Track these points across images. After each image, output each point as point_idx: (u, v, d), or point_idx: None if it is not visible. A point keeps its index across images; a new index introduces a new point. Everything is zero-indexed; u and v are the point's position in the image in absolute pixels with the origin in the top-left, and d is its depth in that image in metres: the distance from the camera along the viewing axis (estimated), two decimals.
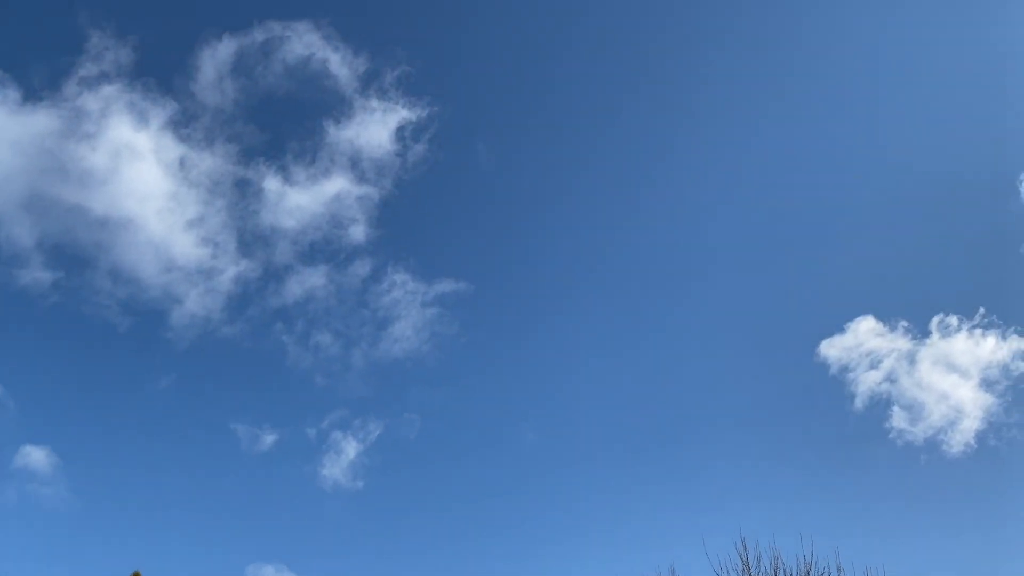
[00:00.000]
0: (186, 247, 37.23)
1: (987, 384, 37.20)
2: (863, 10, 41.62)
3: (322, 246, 39.03)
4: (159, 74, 37.23)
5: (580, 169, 42.43)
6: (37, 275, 35.97)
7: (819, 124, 42.40)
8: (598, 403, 40.15)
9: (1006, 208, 38.74)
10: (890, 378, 38.00)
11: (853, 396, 38.08)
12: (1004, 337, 37.42)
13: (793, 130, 42.47)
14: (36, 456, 34.54)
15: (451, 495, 38.22)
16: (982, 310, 37.86)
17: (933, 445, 36.65)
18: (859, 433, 37.95)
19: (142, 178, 36.30)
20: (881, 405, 37.71)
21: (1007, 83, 39.86)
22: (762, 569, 17.27)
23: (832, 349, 38.69)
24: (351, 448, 37.33)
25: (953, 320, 38.00)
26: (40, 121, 35.11)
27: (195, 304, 37.35)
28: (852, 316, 38.64)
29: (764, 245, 41.75)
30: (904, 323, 38.32)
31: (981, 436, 36.47)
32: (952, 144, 40.71)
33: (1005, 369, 37.14)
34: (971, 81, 40.99)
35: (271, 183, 38.16)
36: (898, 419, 37.26)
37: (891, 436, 37.13)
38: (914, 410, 37.31)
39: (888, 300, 39.28)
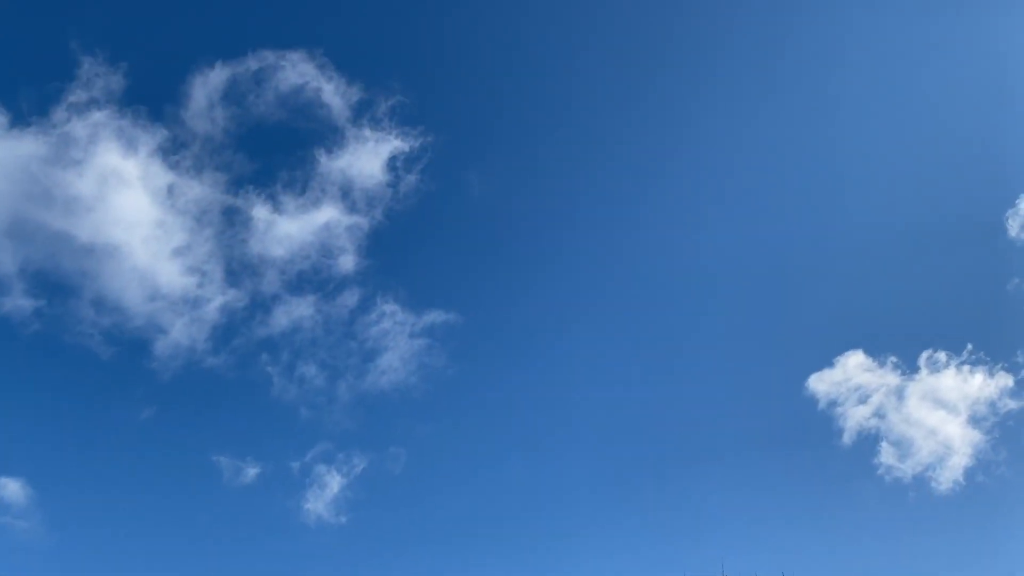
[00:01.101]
0: (172, 276, 36.73)
1: (975, 421, 37.45)
2: (853, 49, 42.44)
3: (310, 276, 38.66)
4: (150, 101, 36.97)
5: (572, 201, 42.51)
6: (19, 302, 35.32)
7: (809, 161, 42.83)
8: (586, 437, 39.81)
9: (993, 245, 39.30)
10: (879, 413, 38.14)
11: (841, 431, 38.19)
12: (991, 374, 37.78)
13: (783, 166, 42.89)
14: (11, 488, 33.77)
15: (437, 531, 37.59)
16: (970, 346, 38.24)
17: (922, 482, 36.74)
18: (847, 469, 37.96)
19: (129, 205, 35.86)
20: (869, 441, 37.84)
21: (994, 121, 40.74)
22: None
23: (821, 383, 38.82)
24: (335, 482, 36.84)
25: (941, 356, 38.32)
26: (27, 146, 34.67)
27: (180, 334, 36.78)
28: (841, 350, 38.98)
29: (753, 278, 41.88)
30: (893, 358, 38.61)
31: (970, 473, 36.63)
32: (940, 181, 41.33)
33: (992, 406, 37.44)
34: (959, 119, 41.79)
35: (260, 212, 37.85)
36: (887, 455, 37.37)
37: (879, 472, 37.22)
38: (902, 446, 37.41)
39: (877, 335, 39.52)
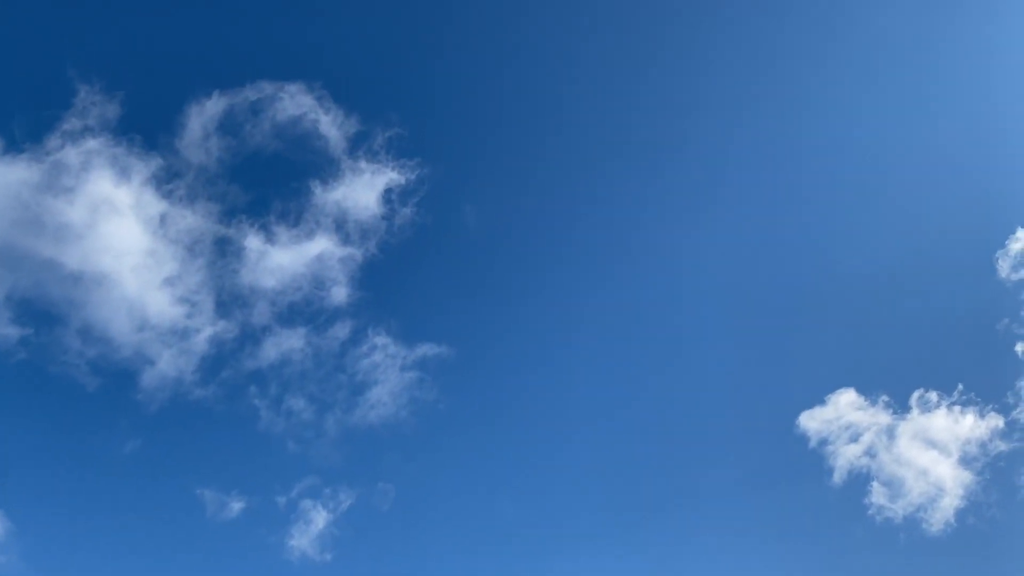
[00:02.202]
0: (161, 306, 36.31)
1: (966, 461, 37.51)
2: (841, 91, 43.09)
3: (302, 307, 38.37)
4: (144, 129, 36.79)
5: (568, 235, 42.56)
6: (5, 331, 34.75)
7: (799, 200, 43.24)
8: (579, 474, 39.49)
9: (983, 285, 39.66)
10: (870, 452, 38.13)
11: (832, 470, 38.14)
12: (982, 414, 37.94)
13: (774, 206, 43.24)
14: None
15: (425, 571, 36.96)
16: (960, 386, 38.40)
17: (913, 523, 36.65)
18: (837, 509, 37.84)
19: (120, 234, 35.53)
20: (860, 480, 37.78)
21: (983, 162, 41.39)
22: None
23: (812, 421, 38.83)
24: (320, 518, 36.30)
25: (933, 396, 38.42)
26: (18, 173, 34.32)
27: (167, 365, 36.32)
28: (833, 388, 39.06)
29: (744, 316, 41.99)
30: (885, 397, 38.70)
31: (961, 515, 36.59)
32: (930, 221, 41.77)
33: (984, 447, 37.56)
34: (947, 161, 42.38)
35: (253, 242, 37.59)
36: (878, 495, 37.30)
37: (870, 512, 37.12)
38: (894, 486, 37.36)
39: (869, 373, 39.66)
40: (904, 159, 42.63)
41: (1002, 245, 39.22)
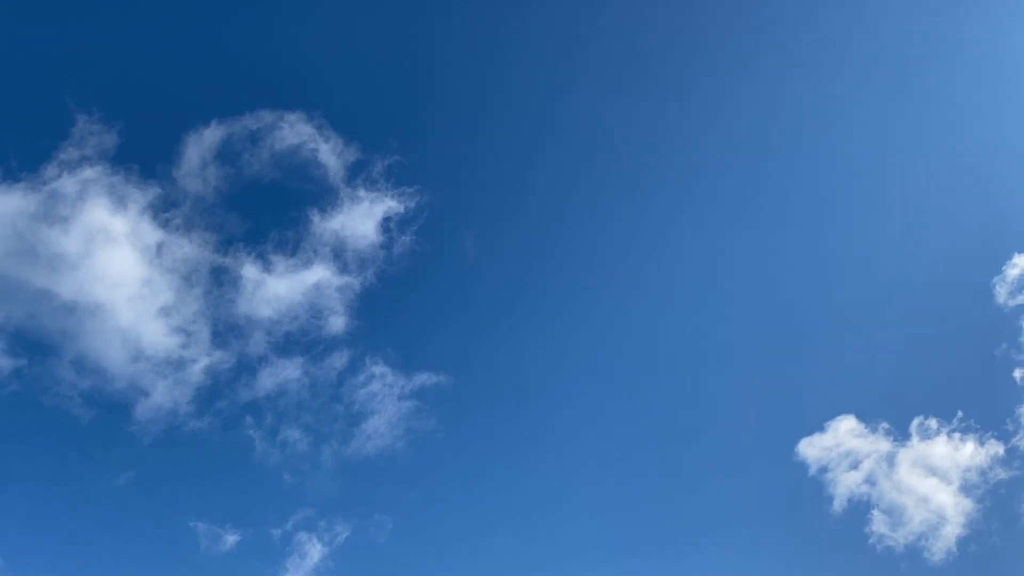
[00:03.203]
0: (156, 336, 35.89)
1: (967, 489, 37.40)
2: (844, 113, 43.49)
3: (298, 337, 38.02)
4: (142, 158, 36.61)
5: (565, 263, 42.48)
6: None
7: (797, 227, 43.40)
8: (578, 505, 39.14)
9: (981, 310, 39.81)
10: (870, 480, 37.97)
11: (832, 498, 37.94)
12: (982, 442, 37.89)
13: (772, 230, 43.34)
14: None
15: None
16: (960, 413, 38.38)
17: (914, 552, 36.44)
18: (838, 537, 37.58)
19: (115, 263, 35.16)
20: (861, 508, 37.59)
21: (978, 187, 41.74)
22: None
23: (811, 448, 38.67)
24: (316, 551, 35.77)
25: (933, 423, 38.38)
26: (14, 202, 34.02)
27: (162, 396, 35.83)
28: (833, 415, 38.96)
29: (743, 342, 41.93)
30: (885, 424, 38.61)
31: (963, 543, 36.43)
32: (927, 246, 41.99)
33: (984, 474, 37.48)
34: (943, 187, 42.74)
35: (249, 271, 37.28)
36: (878, 523, 37.11)
37: (871, 541, 36.90)
38: (894, 514, 37.18)
39: (869, 400, 39.59)
40: (902, 185, 43.04)
41: (999, 271, 39.61)
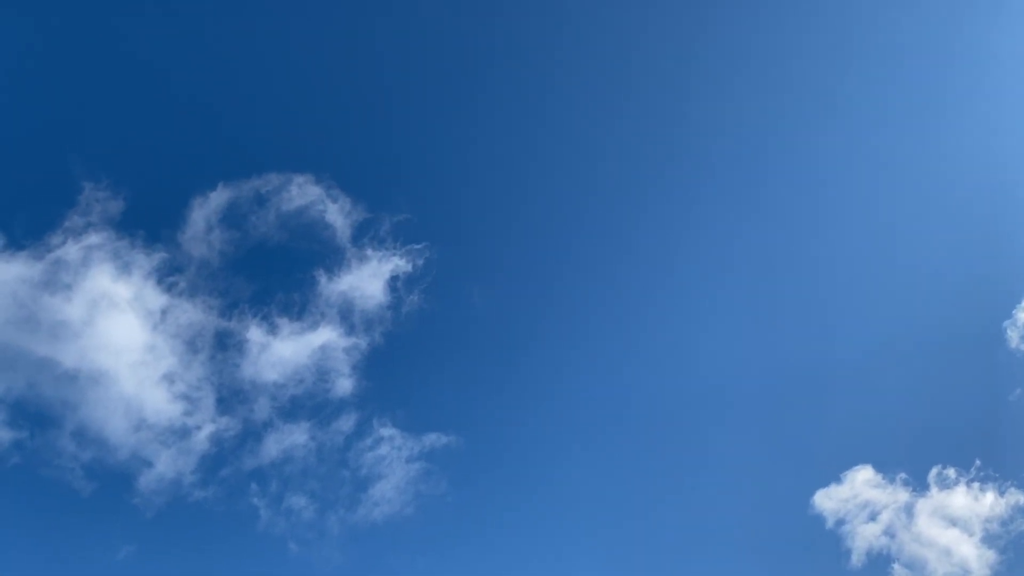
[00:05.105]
0: (160, 403, 35.07)
1: (989, 540, 36.75)
2: (857, 156, 43.89)
3: (304, 400, 37.31)
4: (148, 223, 36.30)
5: (577, 320, 42.21)
6: None
7: (809, 271, 43.45)
8: (593, 569, 38.10)
9: (994, 356, 39.66)
10: (888, 532, 37.31)
11: (850, 551, 37.21)
12: (1002, 492, 37.38)
13: (785, 277, 43.34)
14: None
15: None
16: (978, 462, 37.93)
17: None
18: None
19: (118, 330, 34.53)
20: (881, 561, 36.84)
21: (987, 234, 41.93)
22: None
23: (828, 500, 38.03)
24: None
25: (951, 472, 37.90)
26: (17, 270, 33.49)
27: (165, 466, 34.88)
28: (849, 465, 38.37)
29: (757, 393, 41.53)
30: (902, 474, 38.09)
31: None
32: (938, 293, 42.02)
33: (1005, 525, 36.89)
34: (952, 227, 42.89)
35: (255, 334, 36.71)
36: None
37: None
38: (916, 567, 36.43)
39: (886, 449, 39.10)
40: (913, 231, 43.27)
41: (1009, 315, 39.59)
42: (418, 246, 38.98)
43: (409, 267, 38.55)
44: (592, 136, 43.50)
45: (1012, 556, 36.16)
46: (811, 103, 44.00)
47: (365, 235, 38.67)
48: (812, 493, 37.97)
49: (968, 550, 36.50)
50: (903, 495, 37.75)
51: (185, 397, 35.73)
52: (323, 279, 37.94)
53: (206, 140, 39.59)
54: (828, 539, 37.37)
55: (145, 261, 35.51)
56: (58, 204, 35.14)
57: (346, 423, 37.43)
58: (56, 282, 33.87)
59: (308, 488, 36.64)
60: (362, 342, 37.79)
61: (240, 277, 37.52)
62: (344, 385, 37.48)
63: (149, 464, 34.84)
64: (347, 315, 37.90)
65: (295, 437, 36.84)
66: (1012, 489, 37.22)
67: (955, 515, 37.23)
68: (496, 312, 40.86)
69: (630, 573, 37.93)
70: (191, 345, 36.01)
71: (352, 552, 36.36)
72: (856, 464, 38.21)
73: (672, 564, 38.02)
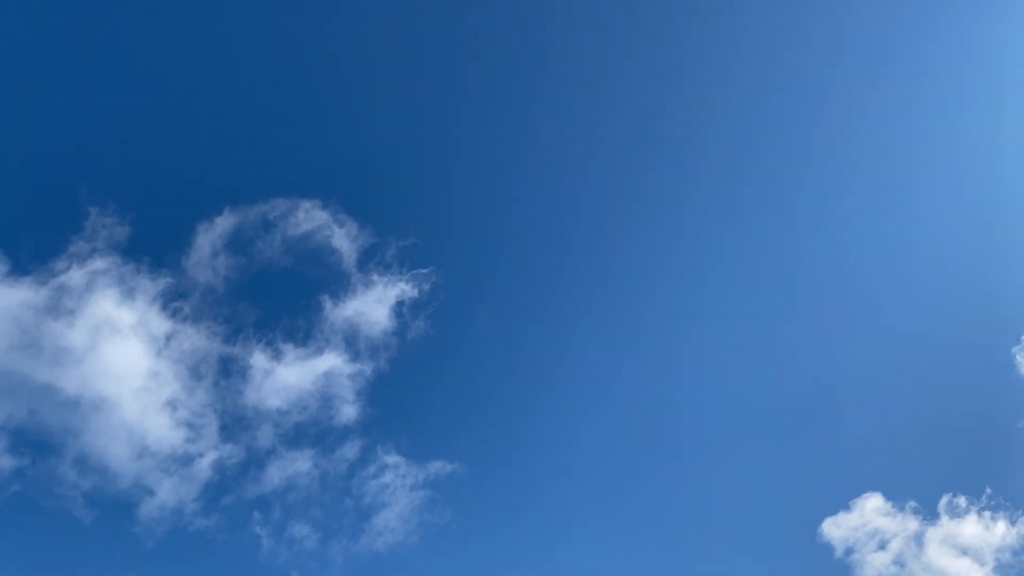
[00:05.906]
0: (162, 430, 34.61)
1: (1002, 570, 36.27)
2: (869, 187, 43.93)
3: (308, 427, 36.88)
4: (153, 248, 36.10)
5: (582, 346, 41.97)
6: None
7: (817, 300, 43.35)
8: None
9: (1003, 383, 39.44)
10: (899, 561, 36.83)
11: None
12: (1013, 521, 36.96)
13: (792, 304, 43.22)
14: None
15: None
16: (989, 490, 37.55)
17: None
18: None
19: (121, 356, 34.15)
20: None
21: (992, 260, 41.93)
22: None
23: (836, 528, 37.59)
24: None
25: (961, 501, 37.49)
26: (21, 295, 33.15)
27: (167, 494, 34.35)
28: (858, 493, 38.04)
29: (765, 420, 41.25)
30: (912, 503, 37.68)
31: None
32: (945, 319, 41.92)
33: (1017, 555, 36.43)
34: (959, 255, 42.95)
35: (259, 360, 36.34)
36: None
37: None
38: None
39: (896, 476, 38.75)
40: (922, 256, 43.32)
41: (1018, 341, 39.38)
42: (424, 271, 38.92)
43: (415, 292, 38.40)
44: (602, 168, 43.71)
45: None
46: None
47: (371, 260, 38.57)
48: (821, 521, 37.70)
49: None
50: (913, 523, 37.38)
51: (188, 424, 35.34)
52: (328, 304, 37.78)
53: (212, 165, 39.63)
54: (837, 568, 37.05)
55: (150, 286, 35.35)
56: (64, 229, 35.09)
57: (350, 450, 37.07)
58: (60, 307, 33.65)
59: (311, 517, 36.19)
60: (367, 368, 37.52)
61: (245, 302, 37.33)
62: (348, 412, 37.15)
63: (151, 492, 34.39)
64: (352, 341, 37.67)
65: (298, 465, 36.43)
66: (1023, 518, 36.88)
67: (966, 544, 36.82)
68: (502, 339, 40.71)
69: None
70: (195, 371, 35.70)
71: None
72: (865, 491, 37.98)
73: None
